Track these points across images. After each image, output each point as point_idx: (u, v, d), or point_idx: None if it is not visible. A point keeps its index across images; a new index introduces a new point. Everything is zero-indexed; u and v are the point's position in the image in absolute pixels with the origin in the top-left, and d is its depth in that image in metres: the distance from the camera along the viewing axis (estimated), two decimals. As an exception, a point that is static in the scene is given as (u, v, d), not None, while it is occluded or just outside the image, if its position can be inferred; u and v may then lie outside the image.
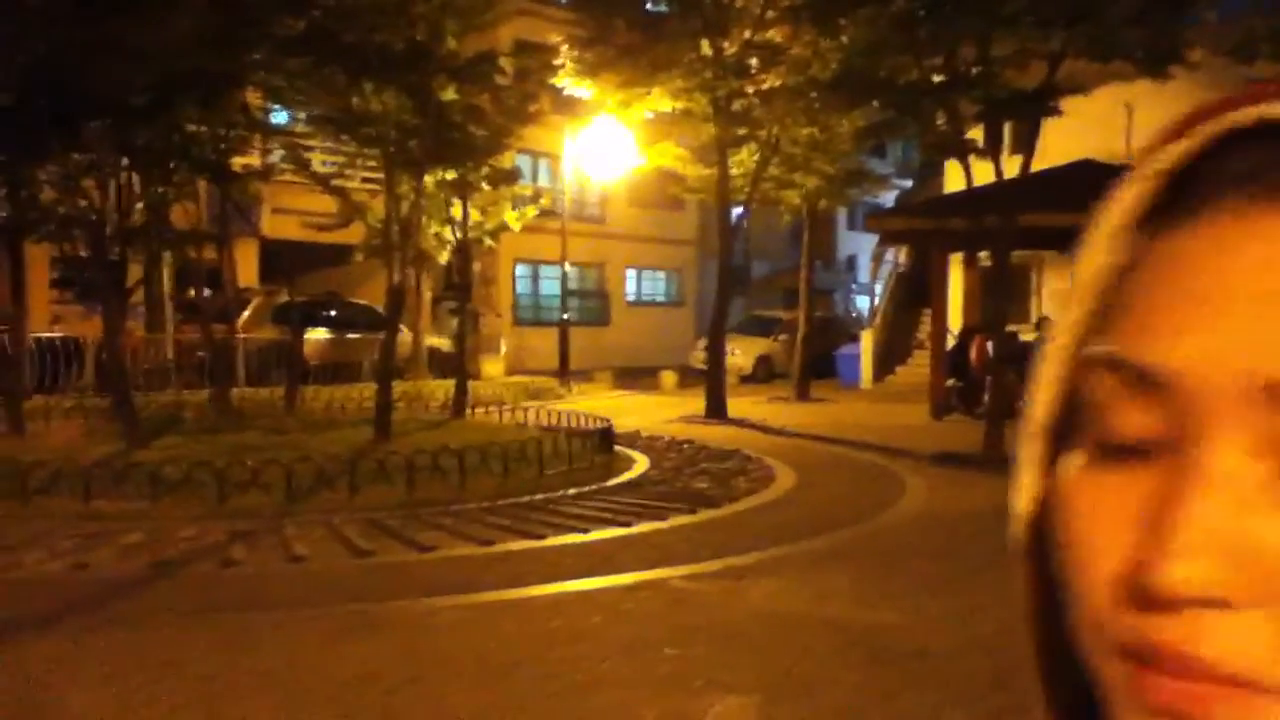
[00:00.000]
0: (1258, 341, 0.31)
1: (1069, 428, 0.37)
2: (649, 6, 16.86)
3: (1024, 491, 0.39)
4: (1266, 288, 0.31)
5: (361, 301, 20.71)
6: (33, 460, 8.48)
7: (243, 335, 16.97)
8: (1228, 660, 0.31)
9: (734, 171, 16.34)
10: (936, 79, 12.54)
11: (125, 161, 11.97)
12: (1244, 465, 0.31)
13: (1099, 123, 17.51)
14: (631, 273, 30.75)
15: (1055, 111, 12.12)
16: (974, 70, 12.17)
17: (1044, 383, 0.38)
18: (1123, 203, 0.37)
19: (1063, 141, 15.58)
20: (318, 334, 18.85)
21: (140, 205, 12.70)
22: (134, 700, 4.28)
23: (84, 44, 9.25)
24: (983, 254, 17.00)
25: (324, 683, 4.49)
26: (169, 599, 5.78)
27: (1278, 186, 0.32)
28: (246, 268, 18.97)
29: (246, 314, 17.97)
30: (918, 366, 20.13)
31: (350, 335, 19.68)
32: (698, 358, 21.35)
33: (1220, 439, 0.31)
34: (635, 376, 23.34)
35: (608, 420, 11.69)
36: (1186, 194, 0.35)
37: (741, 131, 15.94)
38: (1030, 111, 12.43)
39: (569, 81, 15.81)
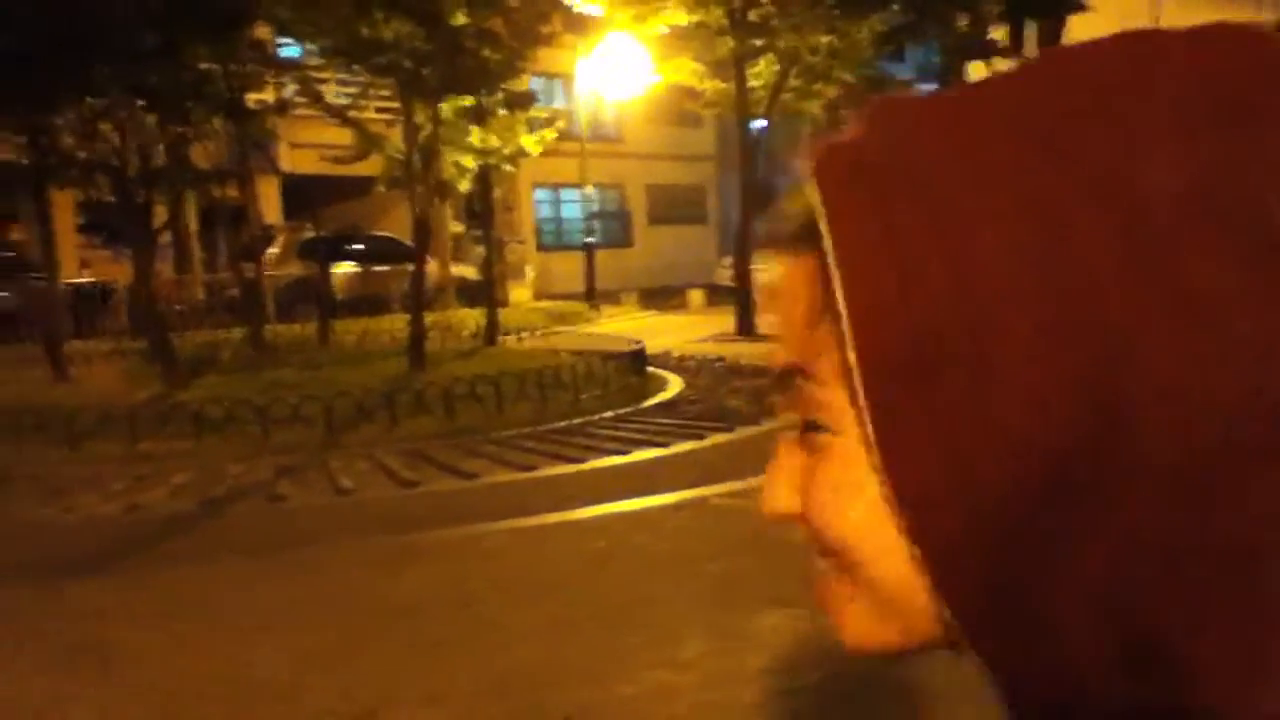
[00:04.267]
0: (789, 343, 0.41)
1: None
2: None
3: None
4: (796, 309, 0.41)
5: (385, 233, 20.70)
6: (78, 405, 8.64)
7: (270, 272, 17.04)
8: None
9: (753, 84, 16.08)
10: (958, -21, 12.25)
11: (141, 104, 11.95)
12: (791, 453, 0.42)
13: (1125, 16, 16.91)
14: (651, 191, 30.50)
15: (1080, 7, 11.85)
16: (997, -33, 11.88)
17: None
18: (787, 215, 0.43)
19: (1089, 36, 15.17)
20: (344, 268, 18.92)
21: (160, 147, 12.70)
22: (193, 635, 4.41)
23: None
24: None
25: (380, 611, 4.62)
26: (221, 536, 5.93)
27: (805, 240, 0.40)
28: (269, 204, 18.99)
29: (273, 251, 18.04)
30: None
31: (376, 268, 19.73)
32: (724, 275, 21.25)
33: (784, 429, 0.43)
34: (662, 296, 23.33)
35: (639, 342, 11.73)
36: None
37: (759, 43, 15.64)
38: (1055, 8, 12.14)
39: (580, -1, 15.55)
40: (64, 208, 17.03)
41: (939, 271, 0.35)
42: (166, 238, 15.42)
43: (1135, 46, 0.38)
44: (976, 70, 16.42)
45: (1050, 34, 12.62)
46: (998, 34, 12.77)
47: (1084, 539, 0.34)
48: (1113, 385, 0.33)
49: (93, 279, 17.10)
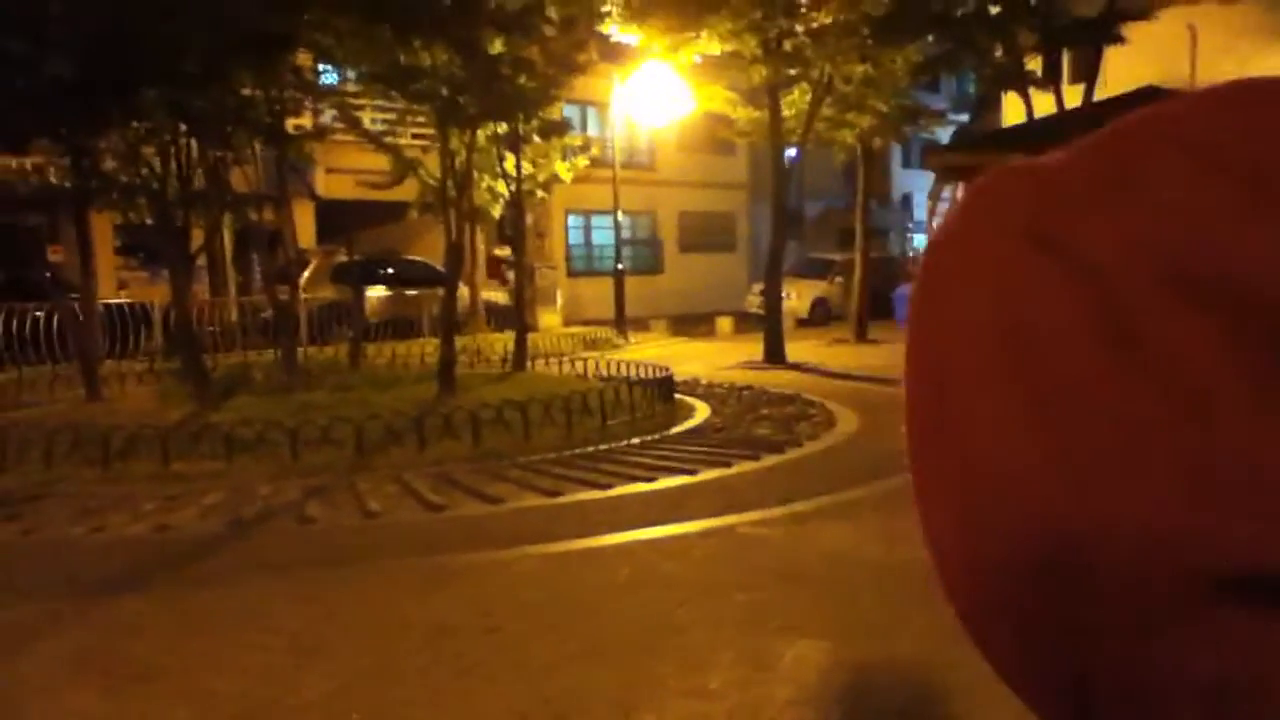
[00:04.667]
0: None
1: None
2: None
3: None
4: None
5: (418, 258, 20.87)
6: (111, 424, 8.72)
7: (304, 295, 17.20)
8: None
9: (786, 113, 16.11)
10: (993, 10, 12.24)
11: (183, 128, 12.13)
12: None
13: (1162, 47, 16.98)
14: (683, 218, 30.59)
15: (1118, 38, 11.80)
16: (1032, -1, 11.88)
17: None
18: None
19: (1125, 68, 15.12)
20: (377, 291, 19.07)
21: (200, 171, 12.87)
22: (220, 655, 4.43)
23: (153, 11, 9.39)
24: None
25: (405, 635, 4.61)
26: (250, 556, 5.95)
27: None
28: (304, 228, 19.20)
29: (307, 274, 18.22)
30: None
31: (409, 292, 19.88)
32: (753, 302, 21.25)
33: None
34: (691, 323, 23.33)
35: (667, 368, 11.72)
36: None
37: (793, 72, 15.68)
38: (1091, 39, 12.10)
39: (616, 28, 15.65)
40: (102, 229, 17.31)
41: (929, 311, 0.36)
42: (202, 260, 15.60)
43: (1171, 99, 0.38)
44: (1012, 101, 16.37)
45: (1086, 65, 12.57)
46: (1033, 64, 12.71)
47: (1089, 551, 0.33)
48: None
49: (129, 300, 17.32)
